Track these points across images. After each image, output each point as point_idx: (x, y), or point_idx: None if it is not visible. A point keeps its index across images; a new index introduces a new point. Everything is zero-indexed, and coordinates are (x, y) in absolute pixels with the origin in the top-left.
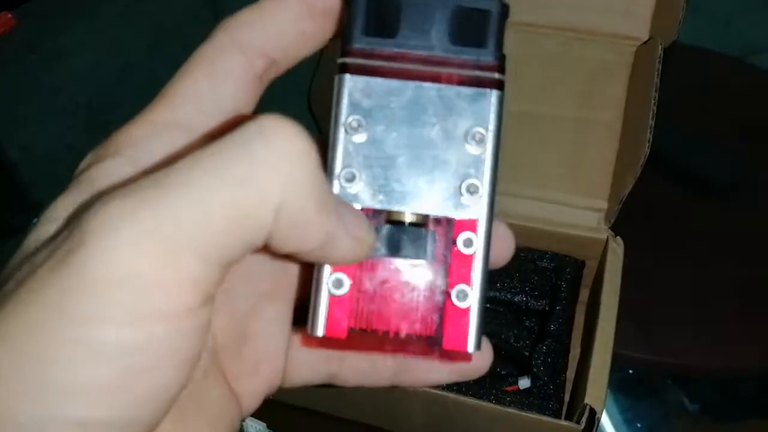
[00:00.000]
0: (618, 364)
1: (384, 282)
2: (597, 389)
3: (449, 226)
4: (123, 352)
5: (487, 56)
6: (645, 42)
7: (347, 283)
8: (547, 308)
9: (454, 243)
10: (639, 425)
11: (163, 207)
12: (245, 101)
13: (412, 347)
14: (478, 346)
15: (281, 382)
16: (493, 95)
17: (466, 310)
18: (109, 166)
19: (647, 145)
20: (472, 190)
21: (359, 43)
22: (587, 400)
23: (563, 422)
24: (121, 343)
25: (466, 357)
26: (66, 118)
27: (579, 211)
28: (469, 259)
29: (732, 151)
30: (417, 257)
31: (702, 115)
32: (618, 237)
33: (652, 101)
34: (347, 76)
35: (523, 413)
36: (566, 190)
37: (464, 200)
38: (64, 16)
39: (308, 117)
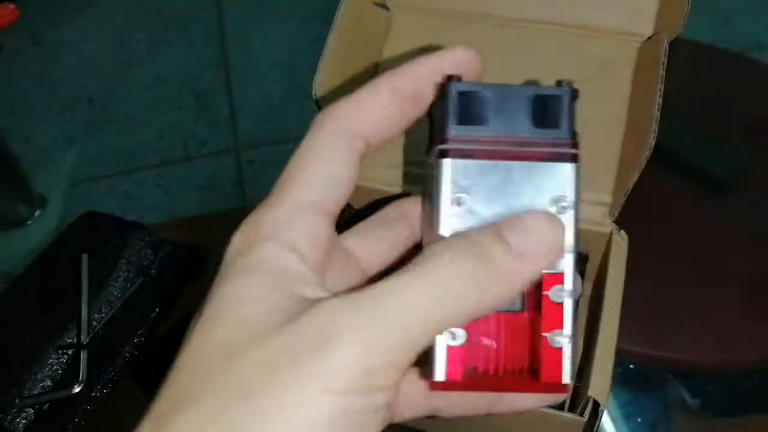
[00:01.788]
0: (619, 358)
1: (489, 331)
2: (601, 382)
3: (540, 280)
4: (346, 413)
5: (562, 135)
6: (650, 37)
7: (461, 334)
8: None
9: (546, 295)
10: (639, 420)
11: (382, 321)
12: (353, 178)
13: (516, 384)
14: (571, 378)
15: (391, 419)
16: (571, 167)
17: (560, 350)
18: (269, 251)
19: (653, 137)
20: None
21: (454, 131)
22: (591, 392)
23: (567, 414)
24: (346, 408)
25: (561, 389)
26: (67, 111)
27: (583, 205)
28: (559, 307)
29: (736, 146)
30: (512, 308)
31: (706, 110)
32: (622, 231)
33: (658, 94)
34: (448, 161)
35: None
36: None
37: None
38: (66, 7)
39: (308, 112)
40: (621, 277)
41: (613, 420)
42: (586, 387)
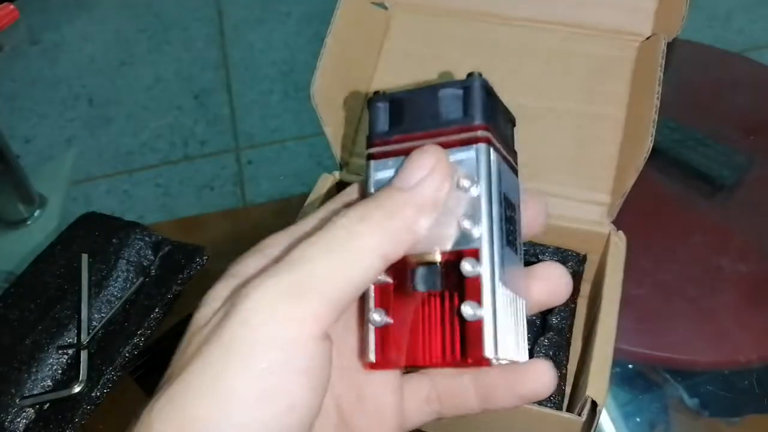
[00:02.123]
0: (617, 358)
1: (414, 311)
2: (599, 382)
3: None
4: (267, 370)
5: (470, 121)
6: (648, 37)
7: (385, 317)
8: None
9: (461, 269)
10: (638, 419)
11: (291, 276)
12: None
13: (443, 361)
14: (497, 351)
15: (401, 429)
16: (478, 149)
17: (479, 323)
18: (250, 261)
19: (651, 138)
20: (468, 226)
21: (375, 137)
22: (589, 392)
23: (565, 414)
24: (266, 363)
25: (485, 362)
26: (66, 111)
27: (581, 205)
28: (475, 281)
29: (734, 146)
30: (434, 288)
31: (704, 111)
32: (620, 231)
33: (656, 95)
34: (371, 162)
35: (525, 405)
36: (568, 184)
37: (465, 235)
38: (66, 7)
39: (308, 112)
40: (619, 278)
41: (612, 420)
42: (585, 387)
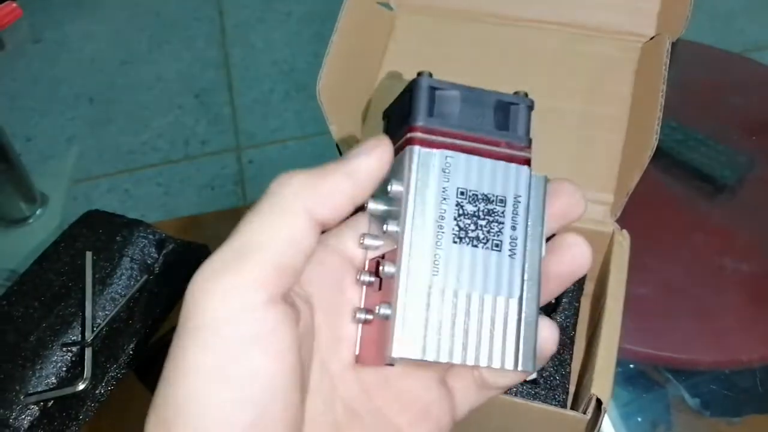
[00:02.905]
0: (619, 358)
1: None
2: (603, 380)
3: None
4: (220, 344)
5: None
6: (652, 38)
7: (365, 314)
8: (553, 301)
9: (380, 271)
10: (639, 419)
11: (227, 251)
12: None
13: (373, 360)
14: (402, 350)
15: (453, 420)
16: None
17: (387, 322)
18: None
19: (655, 137)
20: (393, 228)
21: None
22: (593, 390)
23: (569, 412)
24: (218, 337)
25: (390, 362)
26: (67, 110)
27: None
28: (389, 281)
29: (736, 147)
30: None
31: (706, 111)
32: (624, 230)
33: (660, 94)
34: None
35: (530, 402)
36: None
37: (391, 237)
38: (68, 7)
39: (309, 111)
40: (623, 276)
41: (613, 419)
42: (589, 385)
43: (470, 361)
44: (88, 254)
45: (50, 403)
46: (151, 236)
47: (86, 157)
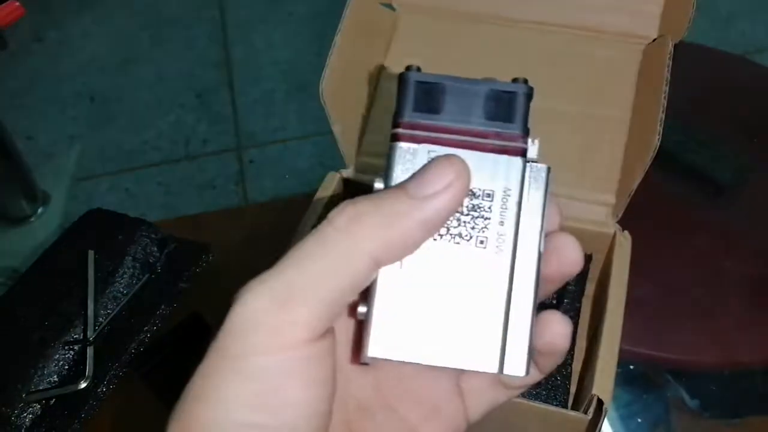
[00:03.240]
0: (619, 359)
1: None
2: (604, 381)
3: None
4: (260, 375)
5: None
6: (654, 40)
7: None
8: (554, 302)
9: None
10: (639, 420)
11: (280, 281)
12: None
13: (355, 360)
14: (375, 350)
15: (467, 420)
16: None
17: (363, 322)
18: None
19: (657, 139)
20: None
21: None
22: (595, 390)
23: (571, 412)
24: (257, 369)
25: (365, 361)
26: (69, 109)
27: (587, 205)
28: (374, 281)
29: (737, 148)
30: None
31: (707, 113)
32: (625, 231)
33: (662, 96)
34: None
35: (531, 402)
36: (574, 185)
37: None
38: (70, 6)
39: (310, 111)
40: (624, 277)
41: (613, 420)
42: (590, 385)
43: (449, 363)
44: (90, 253)
45: (52, 401)
46: (153, 235)
47: (88, 155)
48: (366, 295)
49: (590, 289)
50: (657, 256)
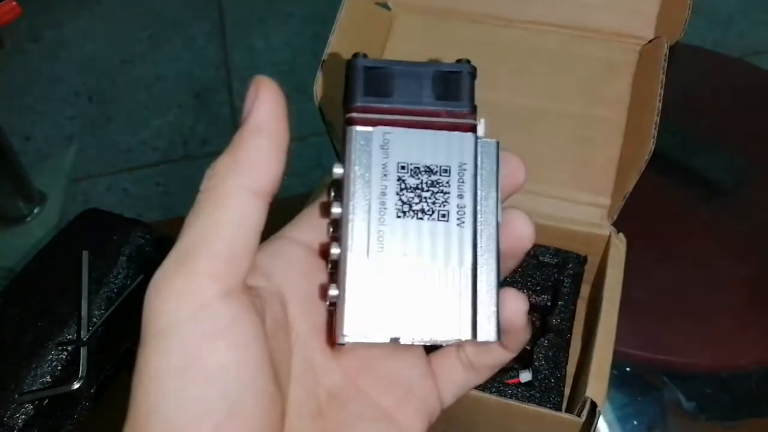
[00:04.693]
0: (615, 361)
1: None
2: (598, 383)
3: None
4: (183, 344)
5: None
6: (650, 41)
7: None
8: (549, 303)
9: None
10: (635, 422)
11: (175, 253)
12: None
13: (329, 342)
14: (345, 335)
15: (441, 403)
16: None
17: (336, 305)
18: None
19: (652, 141)
20: (332, 213)
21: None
22: (588, 393)
23: (564, 415)
24: (179, 337)
25: (341, 344)
26: (66, 109)
27: (582, 207)
28: (335, 263)
29: (734, 151)
30: None
31: (704, 115)
32: (621, 233)
33: (658, 98)
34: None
35: (525, 405)
36: (569, 186)
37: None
38: (68, 5)
39: (309, 113)
40: (619, 280)
41: (609, 422)
42: (584, 388)
43: (425, 338)
44: (85, 253)
45: (45, 402)
46: (148, 236)
47: (85, 155)
48: (335, 277)
49: (585, 290)
50: (652, 258)
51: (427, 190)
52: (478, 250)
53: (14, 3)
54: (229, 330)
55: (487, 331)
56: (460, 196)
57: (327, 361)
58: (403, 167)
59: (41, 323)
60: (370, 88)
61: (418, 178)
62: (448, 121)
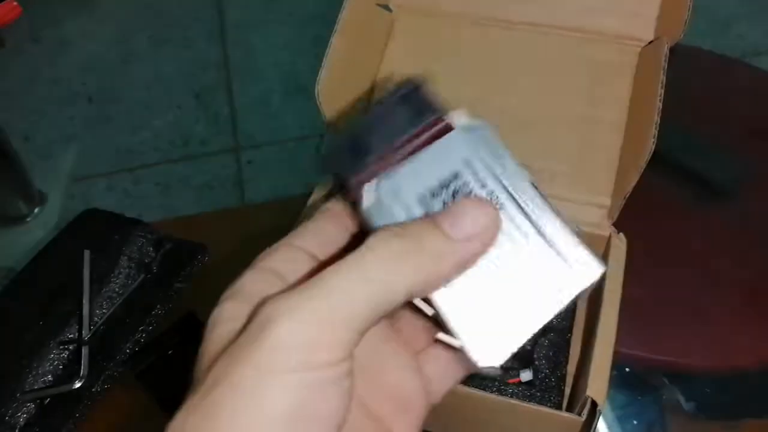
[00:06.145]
0: (614, 361)
1: None
2: (599, 382)
3: None
4: (299, 388)
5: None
6: (651, 42)
7: None
8: None
9: None
10: (635, 422)
11: (321, 300)
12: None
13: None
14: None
15: (431, 403)
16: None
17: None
18: (257, 279)
19: (653, 141)
20: None
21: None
22: (589, 392)
23: (565, 414)
24: (297, 382)
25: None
26: (66, 109)
27: (582, 207)
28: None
29: (734, 151)
30: None
31: (704, 116)
32: (621, 233)
33: (658, 99)
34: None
35: (525, 404)
36: (570, 187)
37: None
38: (68, 5)
39: (309, 113)
40: (619, 280)
41: (609, 422)
42: (584, 387)
43: (548, 314)
44: (86, 252)
45: (46, 401)
46: (149, 235)
47: (85, 156)
48: (442, 326)
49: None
50: (653, 258)
51: (453, 201)
52: (531, 215)
53: (14, 3)
54: (337, 384)
55: (595, 265)
56: (483, 186)
57: None
58: (422, 197)
59: (42, 322)
60: (354, 154)
61: (440, 198)
62: (428, 135)
